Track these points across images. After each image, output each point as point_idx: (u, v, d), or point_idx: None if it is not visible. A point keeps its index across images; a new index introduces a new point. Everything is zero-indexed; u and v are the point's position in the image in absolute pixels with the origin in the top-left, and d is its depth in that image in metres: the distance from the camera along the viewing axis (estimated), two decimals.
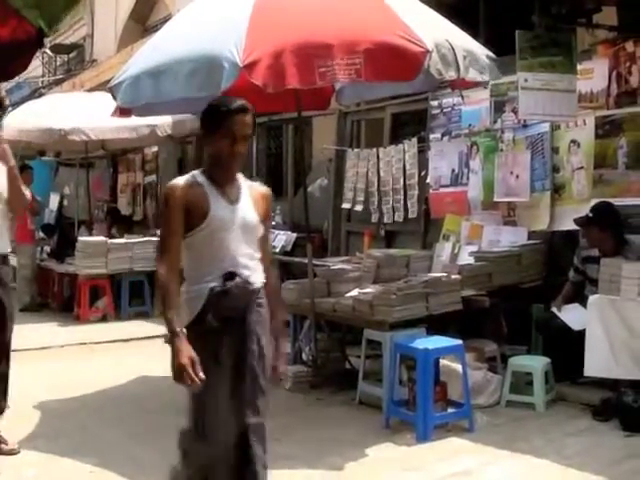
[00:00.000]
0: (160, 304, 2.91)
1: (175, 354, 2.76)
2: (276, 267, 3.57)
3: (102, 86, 8.76)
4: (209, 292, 2.89)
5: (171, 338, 2.79)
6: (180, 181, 2.93)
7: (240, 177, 3.03)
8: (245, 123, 2.91)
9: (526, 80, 5.19)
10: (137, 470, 4.06)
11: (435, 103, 7.08)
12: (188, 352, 2.76)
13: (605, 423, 4.63)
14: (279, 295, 3.51)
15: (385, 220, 7.54)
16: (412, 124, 7.76)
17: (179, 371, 2.74)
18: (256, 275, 3.00)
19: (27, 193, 4.45)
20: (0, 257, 4.37)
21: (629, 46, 5.46)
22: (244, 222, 2.95)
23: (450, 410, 4.67)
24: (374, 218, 7.65)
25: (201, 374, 2.75)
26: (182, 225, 2.87)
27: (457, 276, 5.44)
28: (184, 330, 2.82)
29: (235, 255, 2.92)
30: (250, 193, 3.03)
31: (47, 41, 2.88)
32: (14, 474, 3.90)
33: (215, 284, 2.90)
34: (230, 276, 2.91)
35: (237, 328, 2.95)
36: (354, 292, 5.46)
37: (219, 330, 2.89)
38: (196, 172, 2.98)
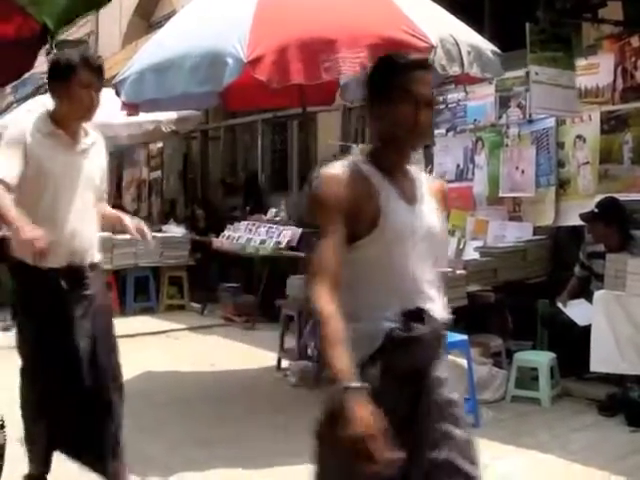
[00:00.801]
0: (320, 341, 1.89)
1: (348, 415, 1.74)
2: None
3: (107, 82, 8.75)
4: (385, 336, 1.96)
5: (339, 390, 1.77)
6: (338, 170, 2.05)
7: (411, 166, 2.16)
8: (427, 82, 2.07)
9: (537, 73, 5.16)
10: (146, 464, 4.06)
11: (440, 98, 7.07)
12: (369, 416, 1.75)
13: (611, 418, 4.63)
14: None
15: None
16: None
17: (355, 444, 1.72)
18: (442, 311, 2.10)
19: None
20: (90, 266, 3.42)
21: (634, 41, 5.45)
22: (429, 232, 2.07)
23: None
24: None
25: (390, 453, 1.73)
26: (344, 233, 1.98)
27: (462, 271, 5.44)
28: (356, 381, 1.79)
29: (416, 280, 2.04)
30: (429, 189, 2.16)
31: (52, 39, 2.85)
32: (22, 471, 3.90)
33: (393, 325, 1.97)
34: (416, 315, 2.01)
35: (414, 386, 2.02)
36: None
37: (390, 387, 1.96)
38: (358, 158, 2.13)
